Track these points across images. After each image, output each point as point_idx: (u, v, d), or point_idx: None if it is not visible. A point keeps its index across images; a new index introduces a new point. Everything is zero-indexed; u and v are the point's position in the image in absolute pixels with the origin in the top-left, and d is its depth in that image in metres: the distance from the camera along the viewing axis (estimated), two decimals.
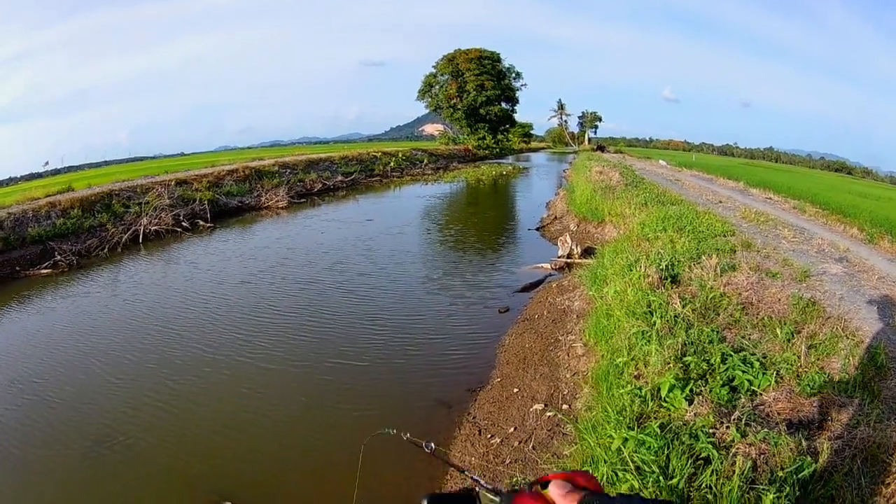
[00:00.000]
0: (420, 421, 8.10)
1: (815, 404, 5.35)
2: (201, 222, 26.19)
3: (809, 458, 4.27)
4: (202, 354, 10.70)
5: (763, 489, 3.89)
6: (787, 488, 3.88)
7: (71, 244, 20.84)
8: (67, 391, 9.65)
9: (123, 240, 22.59)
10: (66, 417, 8.78)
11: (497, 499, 1.22)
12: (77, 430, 8.36)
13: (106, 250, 21.66)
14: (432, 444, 1.99)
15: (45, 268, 19.33)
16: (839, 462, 4.30)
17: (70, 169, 56.52)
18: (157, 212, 24.87)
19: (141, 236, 23.30)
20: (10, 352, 11.81)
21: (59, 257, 19.87)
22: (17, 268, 19.21)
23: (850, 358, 6.08)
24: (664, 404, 5.65)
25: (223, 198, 29.81)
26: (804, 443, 4.49)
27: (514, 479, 6.15)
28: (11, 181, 47.95)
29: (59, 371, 10.49)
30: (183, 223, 25.39)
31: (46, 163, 53.28)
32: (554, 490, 1.08)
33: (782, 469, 4.15)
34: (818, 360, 6.11)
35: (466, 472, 1.41)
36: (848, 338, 6.65)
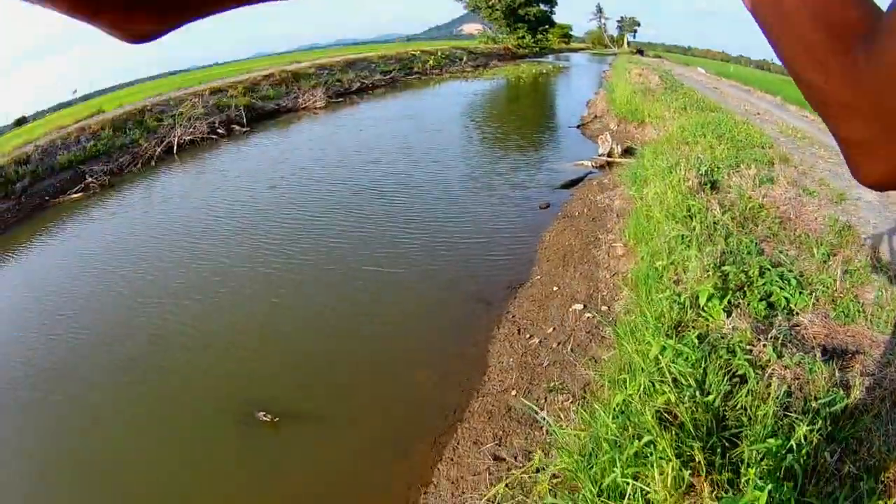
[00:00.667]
0: (459, 320, 8.02)
1: (848, 334, 5.22)
2: (237, 127, 25.44)
3: (842, 392, 4.17)
4: (230, 266, 10.49)
5: (797, 418, 3.81)
6: (820, 421, 3.78)
7: (102, 164, 20.21)
8: (94, 316, 9.58)
9: (157, 153, 21.86)
10: (94, 342, 8.74)
11: None
12: (106, 353, 8.34)
13: (139, 165, 21.00)
14: None
15: (76, 192, 18.67)
16: (869, 402, 4.18)
17: (101, 93, 55.48)
18: (191, 122, 24.08)
19: (175, 147, 22.60)
20: (36, 282, 11.78)
21: (89, 179, 19.25)
22: (47, 197, 18.50)
23: (884, 291, 5.85)
24: (702, 314, 5.56)
25: (259, 102, 28.84)
26: (837, 374, 4.39)
27: (553, 384, 6.13)
28: (39, 115, 46.41)
29: (85, 297, 10.39)
30: (218, 130, 24.65)
31: (75, 90, 51.68)
32: None
33: (815, 399, 4.07)
34: (853, 287, 5.93)
35: None
36: (882, 271, 6.38)
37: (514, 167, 16.22)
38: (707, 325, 5.36)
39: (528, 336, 7.24)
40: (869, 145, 0.59)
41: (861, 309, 5.51)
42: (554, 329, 7.27)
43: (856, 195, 9.17)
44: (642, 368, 4.87)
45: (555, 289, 8.36)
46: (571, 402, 5.72)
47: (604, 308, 7.54)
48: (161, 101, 25.98)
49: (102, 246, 12.95)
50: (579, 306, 7.67)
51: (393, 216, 12.38)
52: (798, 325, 5.30)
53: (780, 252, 6.63)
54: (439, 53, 53.29)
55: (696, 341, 4.92)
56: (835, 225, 7.42)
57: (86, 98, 47.20)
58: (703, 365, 4.57)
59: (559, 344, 6.90)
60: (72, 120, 23.94)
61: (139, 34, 0.40)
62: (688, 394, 4.24)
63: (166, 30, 0.42)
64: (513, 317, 7.81)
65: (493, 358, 6.90)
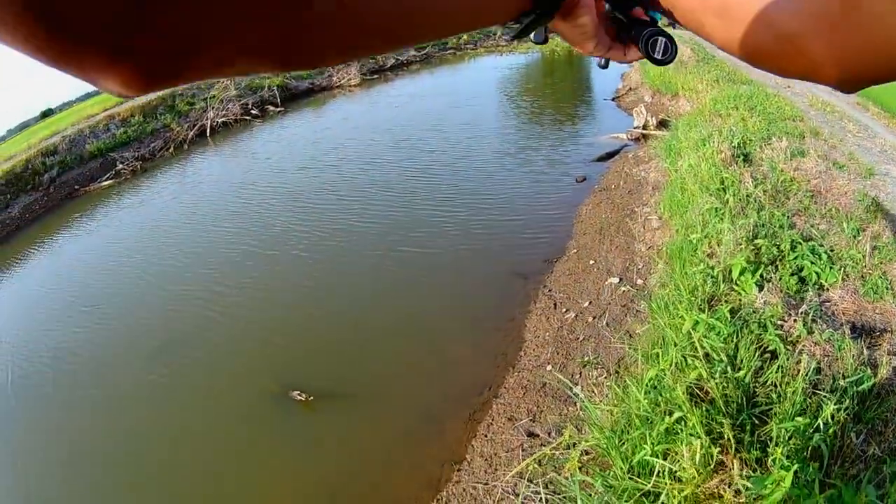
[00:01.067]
0: (496, 295, 8.02)
1: (877, 311, 5.13)
2: (271, 108, 25.41)
3: (869, 371, 4.11)
4: (262, 250, 10.64)
5: (825, 397, 3.78)
6: (847, 400, 3.74)
7: (133, 151, 20.47)
8: (124, 305, 9.92)
9: (190, 136, 22.02)
10: (125, 330, 9.07)
11: None
12: (138, 341, 8.62)
13: (171, 150, 21.22)
14: None
15: (106, 180, 19.06)
16: (895, 381, 4.14)
17: None
18: (224, 104, 24.08)
19: (208, 130, 22.69)
20: (65, 274, 12.17)
21: (120, 166, 19.52)
22: (77, 186, 18.96)
23: None
24: (735, 288, 5.49)
25: (293, 81, 28.66)
26: (865, 352, 4.32)
27: (587, 359, 6.14)
28: (65, 106, 46.60)
29: (115, 285, 10.77)
30: (252, 111, 24.65)
31: None
32: None
33: (843, 378, 4.02)
34: (881, 263, 5.81)
35: None
36: None
37: (550, 141, 15.97)
38: (739, 300, 5.30)
39: (564, 310, 7.23)
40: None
41: (889, 286, 5.39)
42: (590, 303, 7.25)
43: (884, 170, 8.95)
44: (675, 343, 4.84)
45: (591, 262, 8.33)
46: (605, 377, 5.72)
47: (639, 282, 7.50)
48: (192, 85, 25.39)
49: (133, 233, 13.47)
50: (615, 280, 7.64)
51: (427, 194, 12.34)
52: (828, 301, 5.22)
53: (812, 226, 6.50)
54: None
55: (728, 315, 4.87)
56: (864, 200, 7.20)
57: None
58: (734, 340, 4.54)
59: (594, 318, 6.88)
60: (100, 108, 24.46)
61: (135, 86, 0.35)
62: (719, 369, 4.22)
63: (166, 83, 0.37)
64: (549, 291, 7.78)
65: (529, 332, 6.91)
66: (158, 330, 8.69)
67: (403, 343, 7.34)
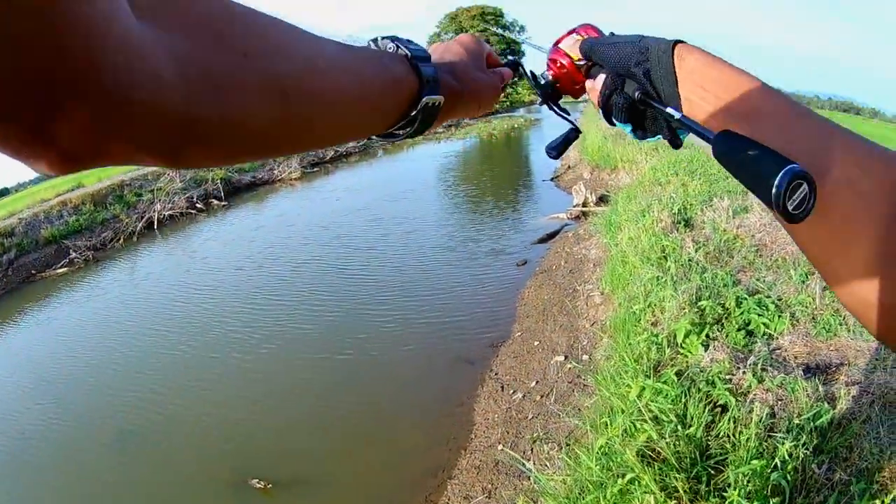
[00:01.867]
0: (444, 382, 8.18)
1: (831, 348, 5.28)
2: (215, 202, 26.18)
3: (827, 405, 4.19)
4: (197, 353, 10.60)
5: (780, 437, 3.84)
6: (804, 436, 3.81)
7: (85, 240, 20.87)
8: (82, 390, 9.97)
9: (138, 228, 22.58)
10: (85, 415, 9.11)
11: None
12: (97, 426, 8.67)
13: (121, 241, 21.71)
14: None
15: (61, 267, 19.41)
16: (857, 409, 4.22)
17: None
18: (171, 196, 24.83)
19: (156, 222, 23.31)
20: (27, 355, 12.30)
21: (74, 255, 19.92)
22: (33, 271, 19.32)
23: None
24: (681, 351, 5.60)
25: (236, 175, 29.73)
26: (821, 388, 4.42)
27: (536, 435, 6.21)
28: (21, 186, 48.20)
29: (74, 371, 10.80)
30: (197, 204, 25.36)
31: None
32: (565, 44, 1.14)
33: (799, 416, 4.10)
34: (833, 301, 6.00)
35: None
36: None
37: (490, 227, 16.34)
38: (686, 361, 5.40)
39: (511, 391, 7.36)
40: None
41: (843, 321, 5.56)
42: (537, 382, 7.38)
43: None
44: (622, 410, 4.90)
45: (535, 343, 8.46)
46: (556, 450, 5.81)
47: (584, 357, 7.62)
48: (139, 176, 26.70)
49: (81, 330, 13.35)
50: (560, 358, 7.76)
51: (367, 292, 12.30)
52: (779, 349, 5.34)
53: (758, 280, 6.70)
54: None
55: (674, 378, 4.95)
56: None
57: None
58: (682, 400, 4.60)
59: (542, 396, 7.01)
60: (53, 193, 25.17)
61: (57, 166, 0.40)
62: (669, 429, 4.25)
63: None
64: (496, 374, 7.95)
65: (478, 416, 7.06)
66: (112, 421, 8.68)
67: (357, 433, 7.43)
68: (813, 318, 5.76)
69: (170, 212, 24.12)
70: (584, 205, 15.61)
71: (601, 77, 1.04)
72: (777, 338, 5.53)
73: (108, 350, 11.41)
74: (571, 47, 1.14)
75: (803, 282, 6.44)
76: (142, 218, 23.18)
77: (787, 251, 7.40)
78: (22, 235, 20.16)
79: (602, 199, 15.70)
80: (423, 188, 24.35)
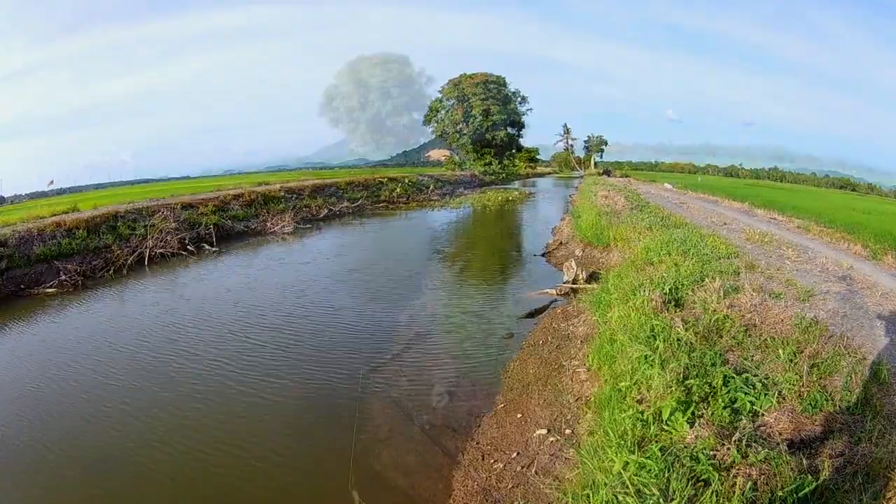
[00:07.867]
0: (425, 447, 8.18)
1: (817, 423, 5.37)
2: (207, 246, 26.49)
3: (810, 477, 4.27)
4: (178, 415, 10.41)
5: None
6: None
7: (76, 264, 21.08)
8: (58, 420, 9.75)
9: (129, 262, 22.84)
10: (61, 444, 8.91)
11: None
12: (72, 456, 8.54)
13: (112, 271, 21.89)
14: None
15: (50, 287, 19.57)
16: (840, 479, 4.31)
17: (74, 189, 57.44)
18: (163, 234, 25.19)
19: (146, 259, 23.54)
20: (11, 372, 12.10)
21: (63, 277, 20.10)
22: (22, 286, 19.50)
23: (853, 375, 6.12)
24: (666, 427, 5.69)
25: (229, 222, 30.37)
26: (805, 461, 4.51)
27: None
28: (17, 199, 48.76)
29: (50, 397, 10.66)
30: (189, 247, 25.70)
31: (51, 181, 54.24)
32: None
33: (782, 489, 4.16)
34: (820, 378, 6.12)
35: None
36: (850, 356, 6.67)
37: (480, 298, 16.51)
38: (670, 438, 5.46)
39: (492, 461, 7.40)
40: None
41: (829, 397, 5.68)
42: (518, 454, 7.44)
43: (824, 289, 9.53)
44: (605, 483, 4.93)
45: (519, 416, 8.53)
46: None
47: (567, 431, 7.67)
48: (134, 209, 27.09)
49: (61, 363, 12.94)
50: (543, 431, 7.82)
51: (352, 360, 12.03)
52: (764, 425, 5.42)
53: (746, 359, 6.81)
54: (406, 181, 56.06)
55: (658, 453, 5.03)
56: (801, 323, 7.64)
57: (60, 192, 48.97)
58: (666, 474, 4.65)
59: (523, 468, 7.06)
60: (49, 212, 25.36)
61: None
62: (651, 502, 4.30)
63: None
64: (477, 443, 8.01)
65: (457, 482, 7.09)
66: (87, 447, 8.73)
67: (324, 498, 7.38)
68: (800, 395, 5.86)
69: (161, 250, 24.34)
70: (575, 281, 15.81)
71: None
72: (763, 415, 5.61)
73: (75, 389, 11.04)
74: None
75: (791, 360, 6.55)
76: (133, 252, 23.44)
77: (777, 330, 7.53)
78: (15, 248, 20.31)
79: (592, 277, 15.92)
80: (415, 256, 24.53)
